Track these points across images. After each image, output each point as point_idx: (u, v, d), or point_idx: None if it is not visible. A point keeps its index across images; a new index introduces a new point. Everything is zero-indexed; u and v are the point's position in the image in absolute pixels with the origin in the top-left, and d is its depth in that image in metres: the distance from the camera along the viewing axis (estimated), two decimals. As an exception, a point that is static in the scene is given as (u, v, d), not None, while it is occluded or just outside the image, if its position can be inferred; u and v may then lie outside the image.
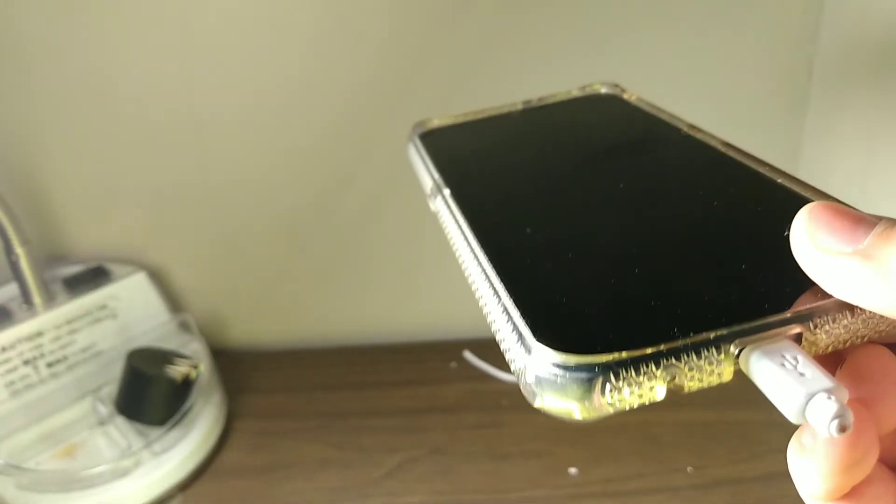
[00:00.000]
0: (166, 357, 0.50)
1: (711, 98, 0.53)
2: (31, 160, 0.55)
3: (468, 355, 0.58)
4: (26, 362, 0.50)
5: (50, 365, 0.51)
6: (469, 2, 0.50)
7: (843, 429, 0.15)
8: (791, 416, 0.15)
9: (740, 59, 0.53)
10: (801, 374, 0.15)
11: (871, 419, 0.16)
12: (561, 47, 0.52)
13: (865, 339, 0.17)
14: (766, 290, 0.18)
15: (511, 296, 0.19)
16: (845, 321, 0.17)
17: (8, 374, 0.49)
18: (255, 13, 0.50)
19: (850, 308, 0.17)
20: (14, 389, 0.49)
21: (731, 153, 0.25)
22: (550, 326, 0.17)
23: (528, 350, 0.17)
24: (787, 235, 0.17)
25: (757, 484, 0.44)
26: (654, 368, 0.16)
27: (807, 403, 0.15)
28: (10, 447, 0.47)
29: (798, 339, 0.17)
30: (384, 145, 0.54)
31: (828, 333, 0.17)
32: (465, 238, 0.22)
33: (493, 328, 0.19)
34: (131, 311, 0.54)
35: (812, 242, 0.17)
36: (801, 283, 0.17)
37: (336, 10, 0.50)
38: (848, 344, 0.17)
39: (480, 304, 0.20)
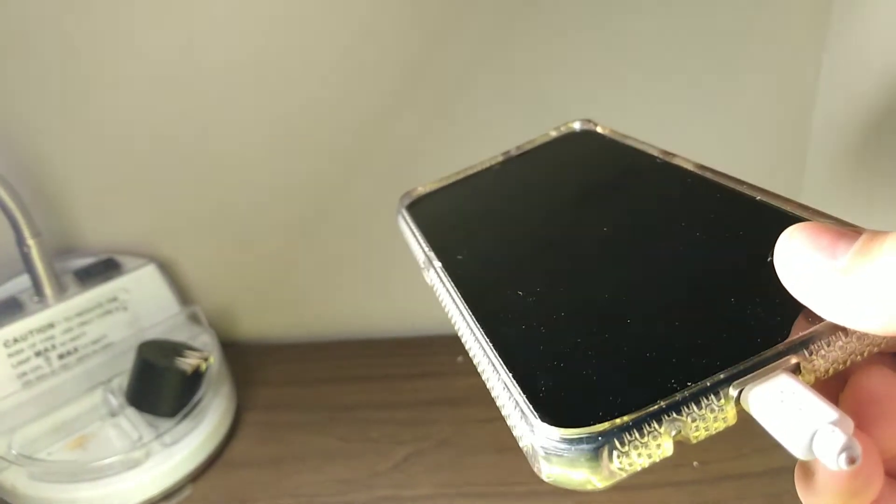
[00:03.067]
0: (176, 349, 0.51)
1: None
2: (42, 152, 0.55)
3: (475, 349, 0.58)
4: (38, 354, 0.50)
5: (61, 356, 0.51)
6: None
7: (851, 461, 0.14)
8: (798, 453, 0.15)
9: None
10: (802, 409, 0.15)
11: (873, 447, 0.16)
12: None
13: (864, 354, 0.17)
14: (757, 324, 0.18)
15: (509, 370, 0.19)
16: (840, 342, 0.16)
17: (20, 366, 0.50)
18: (266, 11, 0.50)
19: (843, 328, 0.16)
20: (26, 381, 0.50)
21: (707, 174, 0.25)
22: (550, 400, 0.17)
23: (532, 428, 0.17)
24: (771, 261, 0.17)
25: (763, 479, 0.45)
26: (657, 426, 0.16)
27: (812, 439, 0.15)
28: (23, 438, 0.48)
29: (796, 369, 0.16)
30: (394, 138, 0.54)
31: (824, 358, 0.16)
32: (461, 313, 0.23)
33: (498, 402, 0.19)
34: (142, 304, 0.55)
35: (795, 263, 0.16)
36: (792, 311, 0.17)
37: (345, 7, 0.50)
38: (848, 363, 0.17)
39: (483, 377, 0.20)
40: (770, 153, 0.55)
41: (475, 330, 0.21)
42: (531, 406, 0.17)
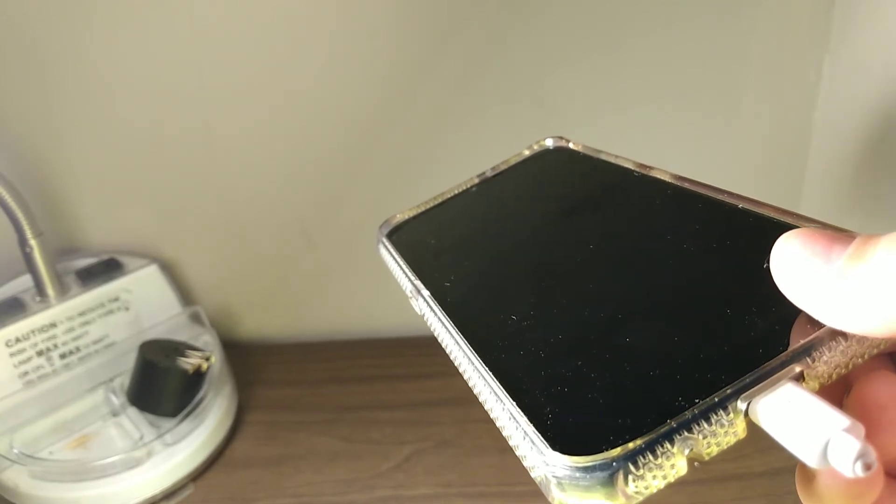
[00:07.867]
0: (178, 349, 0.51)
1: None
2: (45, 153, 0.55)
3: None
4: (40, 353, 0.51)
5: (63, 356, 0.51)
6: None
7: (868, 467, 0.14)
8: (812, 462, 0.15)
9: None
10: (812, 418, 0.15)
11: (876, 452, 0.16)
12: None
13: (865, 356, 0.17)
14: (758, 335, 0.18)
15: (514, 399, 0.18)
16: (841, 346, 0.16)
17: (22, 365, 0.50)
18: (267, 14, 0.50)
19: (843, 332, 0.16)
20: (28, 380, 0.50)
21: (686, 185, 0.25)
22: (559, 428, 0.17)
23: (545, 458, 0.17)
24: (767, 267, 0.17)
25: (763, 479, 0.45)
26: (669, 446, 0.16)
27: (825, 447, 0.14)
28: (24, 437, 0.48)
29: (800, 377, 0.16)
30: (394, 139, 0.54)
31: (827, 364, 0.16)
32: (456, 341, 0.22)
33: (505, 433, 0.19)
34: (144, 304, 0.55)
35: (791, 269, 0.16)
36: (791, 319, 0.17)
37: (346, 7, 0.50)
38: (850, 367, 0.17)
39: (486, 407, 0.20)
40: (770, 156, 0.55)
41: (473, 359, 0.21)
42: (541, 436, 0.17)
